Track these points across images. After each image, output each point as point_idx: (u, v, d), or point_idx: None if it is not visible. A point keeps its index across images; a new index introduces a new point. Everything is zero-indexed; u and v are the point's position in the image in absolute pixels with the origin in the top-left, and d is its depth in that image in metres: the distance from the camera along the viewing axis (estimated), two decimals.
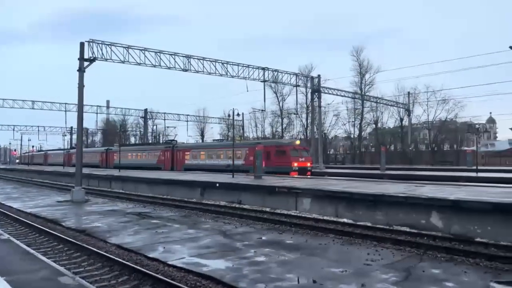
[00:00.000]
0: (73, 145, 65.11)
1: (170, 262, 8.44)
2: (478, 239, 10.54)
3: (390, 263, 8.38)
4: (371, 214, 13.59)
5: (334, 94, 45.32)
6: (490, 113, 78.51)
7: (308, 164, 30.24)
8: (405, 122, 60.08)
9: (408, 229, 12.00)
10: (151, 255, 9.08)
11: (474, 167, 31.90)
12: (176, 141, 46.22)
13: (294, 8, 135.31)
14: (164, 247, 9.85)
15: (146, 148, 47.02)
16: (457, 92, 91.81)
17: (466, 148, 55.30)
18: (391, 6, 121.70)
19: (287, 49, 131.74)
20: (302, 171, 28.72)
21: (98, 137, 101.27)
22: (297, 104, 48.53)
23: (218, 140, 54.97)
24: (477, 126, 46.32)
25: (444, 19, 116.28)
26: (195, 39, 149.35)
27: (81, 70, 21.59)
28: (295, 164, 28.66)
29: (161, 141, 73.81)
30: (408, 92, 55.18)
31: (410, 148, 59.88)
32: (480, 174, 26.86)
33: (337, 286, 6.91)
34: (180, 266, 8.13)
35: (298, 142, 33.08)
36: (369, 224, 12.98)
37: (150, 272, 7.67)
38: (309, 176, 27.13)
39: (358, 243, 10.48)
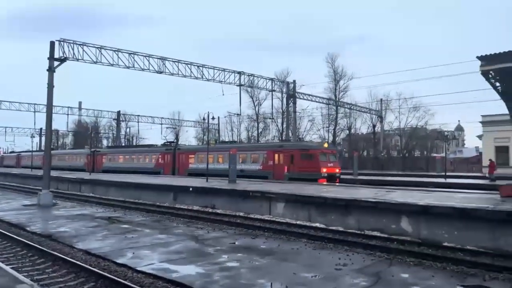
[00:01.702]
0: (41, 147, 63.03)
1: (139, 268, 8.22)
2: (445, 244, 10.81)
3: (361, 268, 8.44)
4: (343, 219, 13.73)
5: (309, 100, 45.81)
6: (459, 121, 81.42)
7: (337, 170, 26.98)
8: (378, 128, 61.29)
9: (379, 234, 12.20)
10: (119, 261, 8.83)
11: (443, 173, 32.84)
12: (176, 142, 43.02)
13: (268, 11, 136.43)
14: (133, 253, 9.60)
15: (142, 150, 43.06)
16: (428, 100, 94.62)
17: (435, 155, 56.95)
18: (363, 13, 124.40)
19: (262, 53, 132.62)
20: (331, 178, 25.57)
21: (69, 139, 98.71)
22: (272, 109, 48.66)
23: (229, 142, 49.72)
24: (446, 133, 47.74)
25: (412, 28, 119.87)
26: (170, 41, 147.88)
27: (51, 69, 20.93)
28: (324, 170, 25.43)
29: (134, 144, 72.55)
30: (381, 99, 56.33)
31: (382, 154, 61.14)
32: (449, 180, 27.70)
33: None
34: (149, 272, 7.93)
35: (326, 144, 29.19)
36: (341, 229, 13.12)
37: (118, 279, 7.44)
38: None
39: (330, 248, 10.54)
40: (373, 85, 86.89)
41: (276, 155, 28.15)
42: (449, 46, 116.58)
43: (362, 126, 66.31)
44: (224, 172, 28.92)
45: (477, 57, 11.81)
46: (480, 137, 43.97)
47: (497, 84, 13.22)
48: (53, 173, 29.29)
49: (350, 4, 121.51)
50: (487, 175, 29.20)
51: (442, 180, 28.15)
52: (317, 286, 7.21)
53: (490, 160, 30.05)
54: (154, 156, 39.63)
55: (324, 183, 24.20)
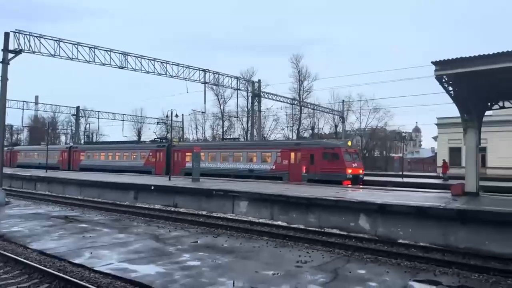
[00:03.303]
0: None
1: (96, 268, 8.02)
2: (400, 241, 11.27)
3: (320, 265, 8.65)
4: (305, 217, 14.01)
5: (273, 100, 46.15)
6: (416, 122, 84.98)
7: (361, 171, 24.86)
8: (340, 128, 62.73)
9: (338, 231, 12.54)
10: (76, 261, 8.57)
11: (401, 173, 34.10)
12: (167, 139, 39.92)
13: (235, 13, 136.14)
14: (91, 253, 9.35)
15: (128, 147, 38.80)
16: (387, 102, 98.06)
17: (394, 155, 59.06)
18: (323, 17, 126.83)
19: (227, 52, 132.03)
20: (355, 180, 23.55)
21: (24, 135, 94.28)
22: (237, 108, 48.69)
23: (233, 139, 46.29)
24: (403, 134, 49.60)
25: (371, 32, 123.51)
26: (133, 36, 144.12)
27: (5, 62, 19.98)
28: (349, 171, 23.29)
29: (94, 140, 70.20)
30: (343, 100, 57.68)
31: None
32: (406, 179, 28.79)
33: None
34: (108, 272, 7.75)
35: (350, 143, 26.48)
36: (302, 227, 13.36)
37: (74, 279, 7.23)
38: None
39: (291, 245, 10.72)
40: (336, 86, 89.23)
41: (293, 154, 25.89)
42: (412, 49, 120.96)
43: (325, 126, 67.78)
44: (233, 172, 27.30)
45: (432, 62, 12.36)
46: (435, 138, 45.93)
47: (450, 88, 13.89)
48: (7, 171, 27.92)
49: (315, 7, 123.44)
50: (440, 174, 30.64)
51: (399, 179, 29.24)
52: (277, 283, 7.32)
53: (443, 160, 31.55)
54: (143, 153, 36.00)
55: (349, 185, 22.44)
